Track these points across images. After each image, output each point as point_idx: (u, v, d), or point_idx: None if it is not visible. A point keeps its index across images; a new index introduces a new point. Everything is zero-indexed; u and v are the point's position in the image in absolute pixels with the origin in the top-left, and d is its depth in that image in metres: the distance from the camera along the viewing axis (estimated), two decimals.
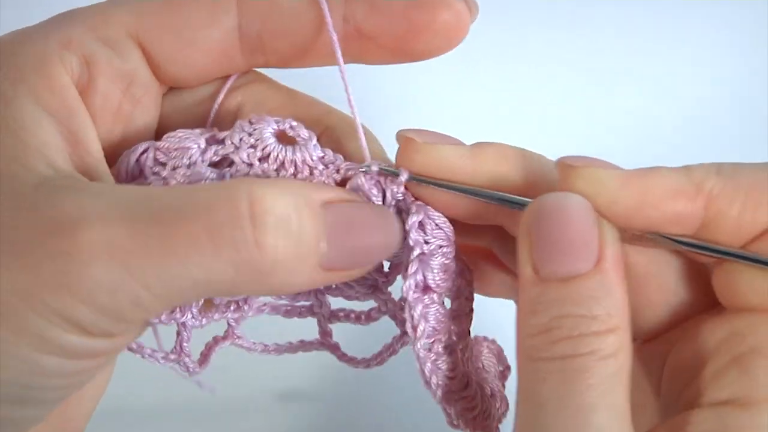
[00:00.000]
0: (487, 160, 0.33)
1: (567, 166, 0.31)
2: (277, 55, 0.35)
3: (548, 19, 0.72)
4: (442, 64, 0.67)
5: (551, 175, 0.33)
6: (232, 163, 0.34)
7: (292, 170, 0.34)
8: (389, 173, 0.34)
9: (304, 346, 0.41)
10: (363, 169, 0.34)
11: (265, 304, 0.39)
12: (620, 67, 0.73)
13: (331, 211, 0.31)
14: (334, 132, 0.36)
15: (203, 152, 0.34)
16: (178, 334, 0.37)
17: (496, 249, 0.39)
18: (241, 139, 0.34)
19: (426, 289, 0.34)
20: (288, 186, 0.31)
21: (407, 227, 0.33)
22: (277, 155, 0.34)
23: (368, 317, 0.40)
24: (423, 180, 0.34)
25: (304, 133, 0.34)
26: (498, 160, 0.33)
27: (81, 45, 0.32)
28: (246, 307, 0.38)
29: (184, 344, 0.37)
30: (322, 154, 0.34)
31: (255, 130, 0.34)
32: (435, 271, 0.34)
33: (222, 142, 0.34)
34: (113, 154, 0.34)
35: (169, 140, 0.34)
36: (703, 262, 0.34)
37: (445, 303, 0.36)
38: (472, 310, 0.37)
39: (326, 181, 0.34)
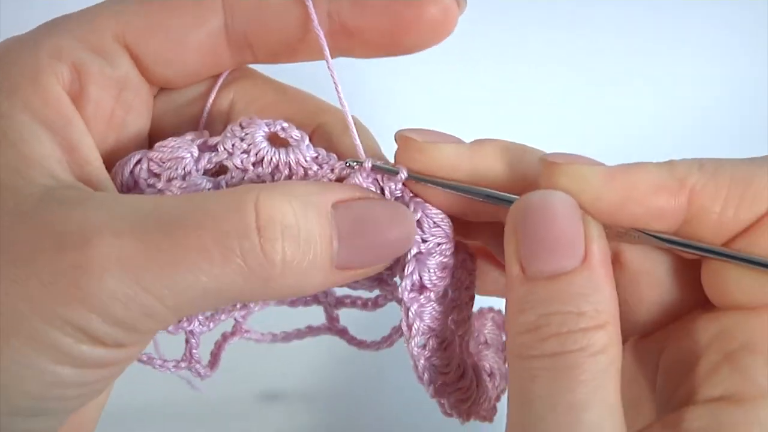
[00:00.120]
0: (487, 157, 0.33)
1: (550, 163, 0.31)
2: (265, 52, 0.35)
3: (548, 19, 0.72)
4: (442, 64, 0.67)
5: None
6: (226, 170, 0.34)
7: (286, 172, 0.34)
8: (386, 171, 0.34)
9: (312, 331, 0.41)
10: (355, 165, 0.34)
11: None
12: (620, 67, 0.72)
13: (342, 211, 0.31)
14: (326, 128, 0.36)
15: (197, 161, 0.34)
16: (187, 341, 0.37)
17: (491, 246, 0.39)
18: (233, 145, 0.34)
19: (422, 288, 0.34)
20: (296, 190, 0.31)
21: None
22: (271, 158, 0.34)
23: (375, 303, 0.40)
24: (419, 178, 0.34)
25: (295, 133, 0.34)
26: (498, 156, 0.33)
27: (71, 54, 0.32)
28: (252, 303, 0.38)
29: (194, 351, 0.37)
30: (315, 154, 0.34)
31: (246, 134, 0.34)
32: (431, 270, 0.34)
33: (214, 148, 0.34)
34: (108, 161, 0.34)
35: (162, 150, 0.34)
36: (692, 260, 0.34)
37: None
38: (473, 298, 0.37)
39: (322, 182, 0.34)
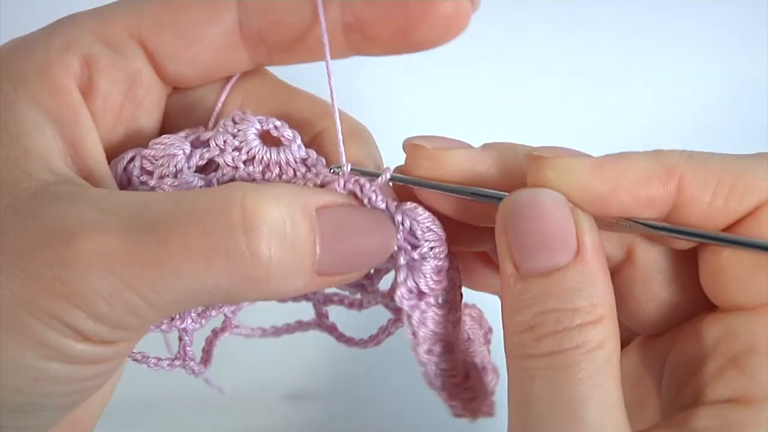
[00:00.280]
0: (497, 161, 0.33)
1: (537, 157, 0.31)
2: (279, 49, 0.34)
3: (548, 19, 0.72)
4: (443, 64, 0.67)
5: None
6: (218, 167, 0.34)
7: (277, 171, 0.34)
8: (367, 174, 0.33)
9: (301, 326, 0.41)
10: (338, 170, 0.33)
11: None
12: (620, 67, 0.73)
13: (325, 216, 0.31)
14: (330, 132, 0.36)
15: (189, 158, 0.34)
16: (180, 339, 0.37)
17: (488, 247, 0.39)
18: (225, 141, 0.34)
19: (420, 294, 0.34)
20: (283, 192, 0.30)
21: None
22: (262, 157, 0.33)
23: (360, 304, 0.40)
24: (403, 180, 0.33)
25: (288, 133, 0.34)
26: (509, 159, 0.33)
27: (82, 46, 0.32)
28: None
29: (187, 349, 0.37)
30: (305, 156, 0.34)
31: (239, 131, 0.34)
32: (428, 276, 0.33)
33: (207, 143, 0.34)
34: (116, 155, 0.34)
35: (155, 147, 0.34)
36: (684, 251, 0.34)
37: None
38: (462, 296, 0.37)
39: (308, 186, 0.33)
